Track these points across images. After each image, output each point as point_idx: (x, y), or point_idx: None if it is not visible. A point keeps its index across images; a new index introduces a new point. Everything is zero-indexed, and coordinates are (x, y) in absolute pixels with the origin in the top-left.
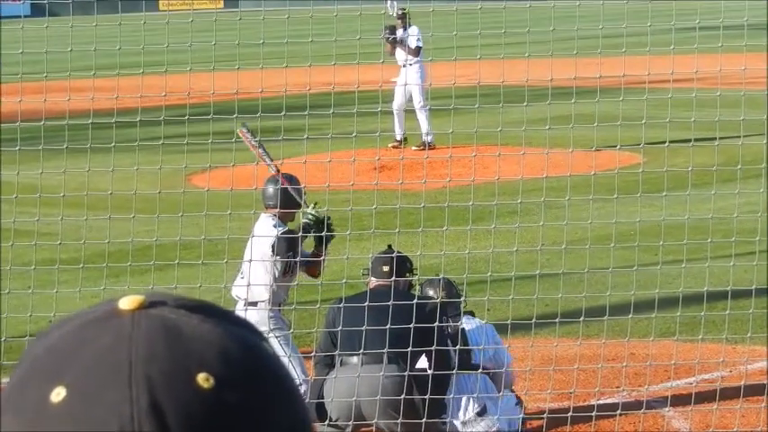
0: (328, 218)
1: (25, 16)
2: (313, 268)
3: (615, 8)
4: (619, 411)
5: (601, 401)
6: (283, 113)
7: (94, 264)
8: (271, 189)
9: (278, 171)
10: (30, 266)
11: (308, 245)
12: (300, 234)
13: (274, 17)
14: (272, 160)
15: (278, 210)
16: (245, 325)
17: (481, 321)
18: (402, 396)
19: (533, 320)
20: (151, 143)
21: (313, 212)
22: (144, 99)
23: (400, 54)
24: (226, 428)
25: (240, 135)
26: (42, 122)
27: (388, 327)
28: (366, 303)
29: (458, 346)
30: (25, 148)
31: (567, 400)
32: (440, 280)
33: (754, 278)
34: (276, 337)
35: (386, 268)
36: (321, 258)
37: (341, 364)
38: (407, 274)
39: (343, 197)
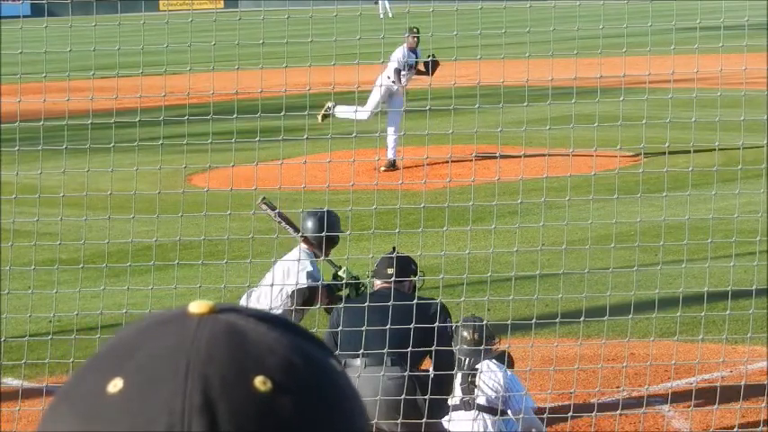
0: (357, 281)
1: (25, 16)
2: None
3: (616, 8)
4: (619, 411)
5: (601, 401)
6: (283, 113)
7: (94, 264)
8: (310, 224)
9: (303, 238)
10: (29, 267)
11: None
12: (321, 283)
13: (274, 17)
14: (295, 230)
15: (312, 245)
16: (312, 339)
17: (507, 370)
18: (403, 396)
19: (533, 320)
20: (151, 143)
21: (350, 273)
22: (143, 99)
23: (405, 80)
24: None
25: (259, 209)
26: (42, 123)
27: (388, 327)
28: (366, 304)
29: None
30: (25, 148)
31: (567, 400)
32: (475, 323)
33: (755, 278)
34: None
35: (389, 270)
36: (331, 306)
37: (344, 366)
38: (411, 276)
39: (343, 197)
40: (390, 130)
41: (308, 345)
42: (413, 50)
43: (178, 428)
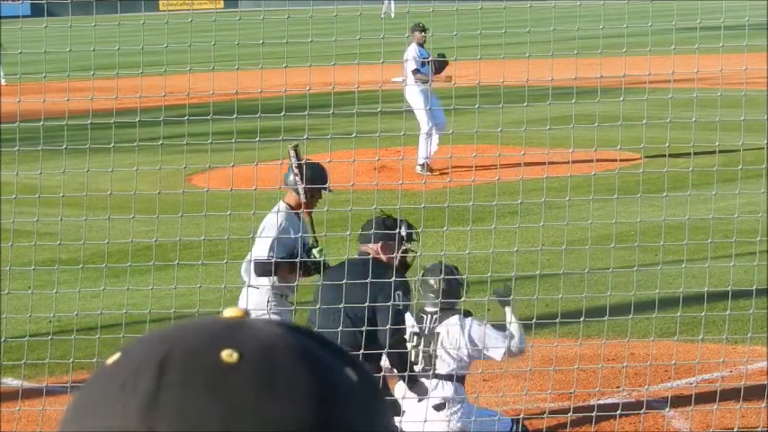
0: (326, 263)
1: (24, 16)
2: (284, 272)
3: (616, 8)
4: (619, 411)
5: (601, 401)
6: (283, 114)
7: (94, 264)
8: (290, 175)
9: (306, 201)
10: (29, 267)
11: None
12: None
13: (274, 17)
14: (307, 192)
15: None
16: (328, 345)
17: (478, 322)
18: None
19: (533, 320)
20: (151, 143)
21: (318, 257)
22: (143, 99)
23: (429, 72)
24: (235, 407)
25: (288, 152)
26: (41, 123)
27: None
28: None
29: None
30: (25, 148)
31: (567, 400)
32: (441, 270)
33: (755, 278)
34: (275, 313)
35: (365, 233)
36: (295, 272)
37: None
38: (390, 242)
39: (343, 197)
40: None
41: (315, 346)
42: (421, 46)
43: (129, 384)
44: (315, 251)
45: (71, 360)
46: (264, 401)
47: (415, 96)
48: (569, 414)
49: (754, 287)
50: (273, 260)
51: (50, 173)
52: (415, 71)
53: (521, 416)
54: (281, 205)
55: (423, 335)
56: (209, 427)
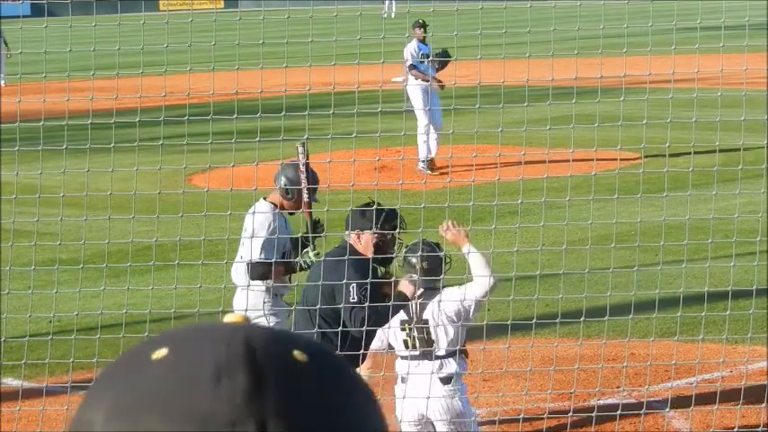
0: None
1: (24, 16)
2: (279, 272)
3: (616, 8)
4: (619, 411)
5: (601, 402)
6: (283, 114)
7: (94, 264)
8: (283, 178)
9: (308, 203)
10: (29, 267)
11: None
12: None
13: (274, 17)
14: (308, 191)
15: (280, 199)
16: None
17: (451, 288)
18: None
19: (533, 321)
20: (151, 143)
21: (313, 259)
22: (143, 99)
23: (429, 69)
24: (315, 401)
25: (296, 148)
26: (42, 123)
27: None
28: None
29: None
30: (25, 148)
31: (567, 400)
32: (423, 248)
33: (755, 278)
34: (267, 316)
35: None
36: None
37: None
38: (360, 229)
39: (343, 197)
40: (428, 128)
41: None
42: (423, 42)
43: (225, 375)
44: (311, 253)
45: (71, 360)
46: (336, 400)
47: (415, 95)
48: (569, 414)
49: (754, 287)
50: (272, 261)
51: (50, 173)
52: (412, 67)
53: (521, 416)
54: (265, 205)
55: (412, 320)
56: (307, 420)
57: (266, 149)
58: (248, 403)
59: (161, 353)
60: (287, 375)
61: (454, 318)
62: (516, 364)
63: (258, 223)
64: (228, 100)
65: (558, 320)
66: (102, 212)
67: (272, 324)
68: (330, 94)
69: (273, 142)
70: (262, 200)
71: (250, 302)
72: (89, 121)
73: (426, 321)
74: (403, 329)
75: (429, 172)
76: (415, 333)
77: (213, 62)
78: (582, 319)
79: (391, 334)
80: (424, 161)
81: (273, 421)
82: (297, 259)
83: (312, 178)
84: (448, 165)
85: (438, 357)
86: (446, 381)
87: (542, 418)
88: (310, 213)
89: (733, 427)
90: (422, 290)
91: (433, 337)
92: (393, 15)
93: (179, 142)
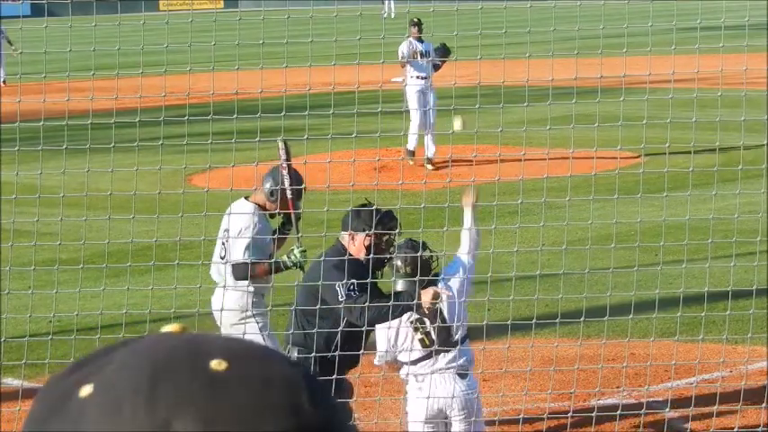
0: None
1: (24, 16)
2: (262, 273)
3: (616, 8)
4: (619, 411)
5: (601, 402)
6: (283, 114)
7: (94, 264)
8: (271, 180)
9: (292, 201)
10: (29, 267)
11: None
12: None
13: (274, 17)
14: (293, 192)
15: (266, 201)
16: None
17: (449, 286)
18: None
19: (533, 321)
20: (151, 143)
21: (299, 258)
22: (143, 99)
23: (424, 68)
24: (240, 407)
25: (277, 145)
26: (42, 123)
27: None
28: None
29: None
30: (25, 148)
31: (567, 400)
32: (409, 248)
33: (755, 278)
34: (254, 316)
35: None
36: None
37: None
38: (353, 231)
39: (343, 197)
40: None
41: (271, 353)
42: (419, 40)
43: (145, 399)
44: (297, 252)
45: (71, 360)
46: (261, 403)
47: (410, 95)
48: (569, 414)
49: (754, 287)
50: (261, 261)
51: (50, 173)
52: (402, 65)
53: (521, 416)
54: (249, 205)
55: (424, 317)
56: (231, 428)
57: (266, 149)
58: (170, 422)
59: (86, 390)
60: (207, 386)
61: (457, 294)
62: (516, 364)
63: (244, 224)
64: (228, 100)
65: (558, 320)
66: (102, 212)
67: (259, 324)
68: (330, 94)
69: (273, 142)
70: (243, 200)
71: (235, 302)
72: (89, 121)
73: (441, 312)
74: (416, 329)
75: (411, 163)
76: (429, 327)
77: (213, 62)
78: (582, 319)
79: (401, 339)
80: (410, 153)
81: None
82: (282, 258)
83: (295, 179)
84: (448, 163)
85: (455, 344)
86: (464, 376)
87: (542, 418)
88: (296, 212)
89: (733, 427)
90: (414, 287)
91: (449, 322)
92: (393, 15)
93: (179, 142)
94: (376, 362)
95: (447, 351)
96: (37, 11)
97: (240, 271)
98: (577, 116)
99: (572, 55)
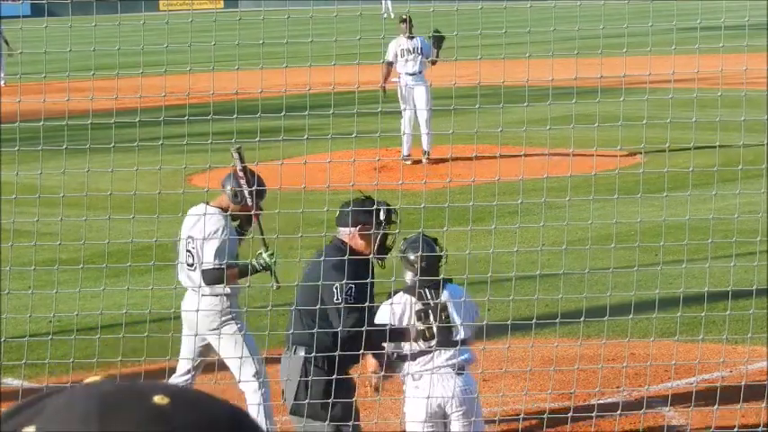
0: (274, 264)
1: (24, 16)
2: (233, 277)
3: (616, 8)
4: (619, 411)
5: (601, 401)
6: (283, 114)
7: (94, 264)
8: (230, 182)
9: (253, 205)
10: (29, 267)
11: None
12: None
13: (274, 17)
14: (250, 194)
15: (230, 204)
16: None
17: (460, 289)
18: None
19: (533, 321)
20: (151, 143)
21: (267, 261)
22: (143, 99)
23: (412, 62)
24: None
25: (232, 154)
26: (42, 123)
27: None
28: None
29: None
30: (25, 148)
31: (567, 400)
32: (419, 246)
33: (755, 278)
34: (232, 315)
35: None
36: (244, 274)
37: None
38: (353, 225)
39: (343, 197)
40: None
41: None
42: (410, 37)
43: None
44: (265, 255)
45: (71, 360)
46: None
47: (399, 93)
48: (569, 414)
49: (754, 287)
50: (236, 263)
51: (50, 173)
52: (388, 64)
53: (521, 416)
54: (210, 208)
55: (430, 310)
56: None
57: (266, 149)
58: None
59: (29, 430)
60: (154, 417)
61: (470, 317)
62: (516, 364)
63: (211, 228)
64: (228, 100)
65: (558, 320)
66: (102, 212)
67: (237, 326)
68: (330, 94)
69: (273, 142)
70: (203, 204)
71: (211, 306)
72: (89, 121)
73: (444, 305)
74: (419, 319)
75: (408, 163)
76: (433, 320)
77: (213, 62)
78: (582, 319)
79: (405, 322)
80: (406, 156)
81: None
82: (251, 261)
83: (257, 182)
84: (448, 159)
85: (455, 343)
86: (461, 374)
87: (542, 418)
88: (258, 216)
89: (733, 427)
90: (431, 283)
91: (452, 319)
92: (393, 15)
93: (179, 142)
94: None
95: (446, 349)
96: (37, 11)
97: (212, 276)
98: (577, 116)
99: (572, 55)
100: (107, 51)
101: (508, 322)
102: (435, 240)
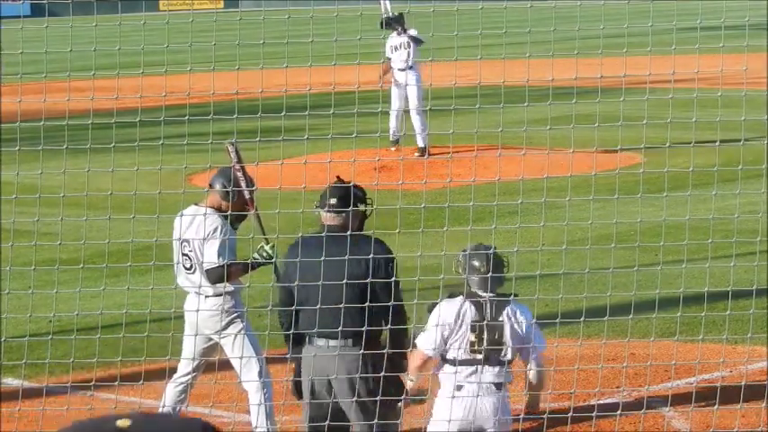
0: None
1: (25, 16)
2: (237, 274)
3: (616, 8)
4: (619, 411)
5: (601, 401)
6: (283, 114)
7: (94, 264)
8: (222, 179)
9: (252, 202)
10: (30, 267)
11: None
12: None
13: (274, 17)
14: (250, 184)
15: (224, 203)
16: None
17: (527, 311)
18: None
19: (533, 320)
20: (151, 143)
21: (270, 252)
22: (144, 99)
23: (398, 58)
24: None
25: (226, 148)
26: (42, 122)
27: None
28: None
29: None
30: (25, 148)
31: (567, 400)
32: (486, 254)
33: (755, 278)
34: (236, 314)
35: (333, 201)
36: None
37: (309, 343)
38: (359, 204)
39: None
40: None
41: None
42: (399, 33)
43: None
44: (267, 247)
45: (71, 360)
46: None
47: (414, 74)
48: (569, 414)
49: (754, 287)
50: (239, 262)
51: (51, 173)
52: (387, 61)
53: (521, 416)
54: (205, 208)
55: (485, 324)
56: None
57: (267, 149)
58: None
59: None
60: None
61: (526, 341)
62: (516, 363)
63: (210, 227)
64: (229, 100)
65: (558, 320)
66: (102, 212)
67: (242, 325)
68: (330, 94)
69: (274, 142)
70: (195, 205)
71: (213, 305)
72: (89, 121)
73: (501, 322)
74: (473, 330)
75: (393, 149)
76: (486, 334)
77: (213, 62)
78: (582, 319)
79: (456, 330)
80: (395, 140)
81: None
82: (253, 256)
83: (250, 180)
84: (448, 153)
85: (501, 363)
86: (499, 387)
87: (542, 418)
88: (256, 209)
89: (733, 427)
90: (494, 295)
91: (505, 339)
92: (391, 14)
93: (179, 142)
94: (429, 351)
95: (492, 366)
96: (37, 10)
97: (216, 275)
98: (577, 116)
99: (572, 55)
100: (108, 51)
101: None
102: (495, 248)
